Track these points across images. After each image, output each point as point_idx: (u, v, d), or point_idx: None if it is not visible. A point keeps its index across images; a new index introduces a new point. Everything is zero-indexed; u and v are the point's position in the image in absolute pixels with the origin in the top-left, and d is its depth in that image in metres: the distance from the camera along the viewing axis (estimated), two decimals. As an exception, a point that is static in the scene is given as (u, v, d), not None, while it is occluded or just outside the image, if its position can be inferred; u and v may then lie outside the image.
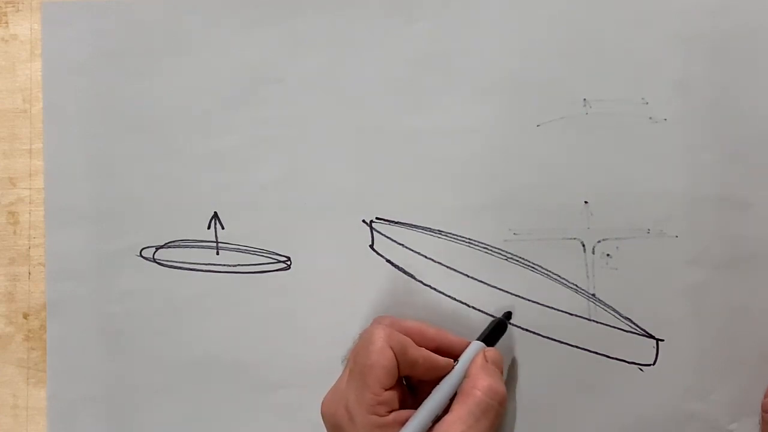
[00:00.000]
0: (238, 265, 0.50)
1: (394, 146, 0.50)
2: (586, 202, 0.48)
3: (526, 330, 0.48)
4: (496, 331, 0.47)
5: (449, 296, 0.49)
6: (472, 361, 0.44)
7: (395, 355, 0.43)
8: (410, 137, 0.50)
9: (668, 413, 0.47)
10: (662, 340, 0.48)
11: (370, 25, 0.50)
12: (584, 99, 0.49)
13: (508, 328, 0.48)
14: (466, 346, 0.45)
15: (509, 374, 0.48)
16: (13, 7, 0.52)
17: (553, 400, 0.48)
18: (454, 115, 0.49)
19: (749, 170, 0.48)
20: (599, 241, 0.48)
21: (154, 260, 0.51)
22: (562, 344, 0.48)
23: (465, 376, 0.44)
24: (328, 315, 0.49)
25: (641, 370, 0.48)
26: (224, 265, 0.50)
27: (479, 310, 0.48)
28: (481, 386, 0.43)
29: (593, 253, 0.48)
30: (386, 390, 0.42)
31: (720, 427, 0.47)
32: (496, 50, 0.49)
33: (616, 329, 0.48)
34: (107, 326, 0.51)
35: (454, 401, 0.43)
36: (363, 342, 0.44)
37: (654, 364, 0.48)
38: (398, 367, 0.43)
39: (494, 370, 0.44)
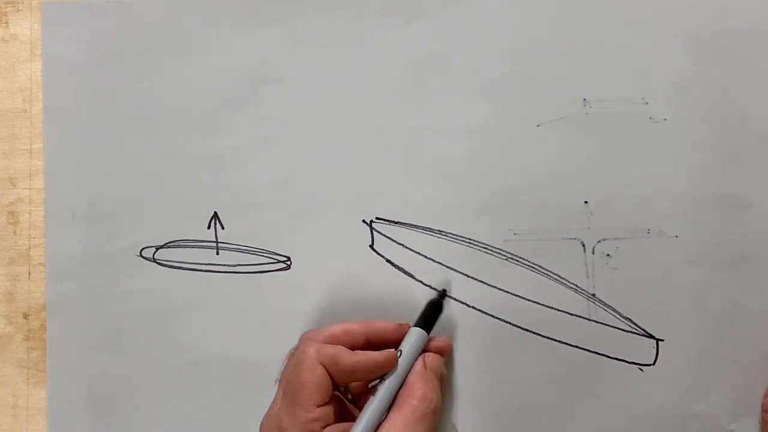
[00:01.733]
0: (238, 265, 0.50)
1: (394, 146, 0.50)
2: (586, 202, 0.48)
3: (526, 329, 0.48)
4: (433, 313, 0.47)
5: (449, 296, 0.49)
6: (412, 368, 0.44)
7: (327, 370, 0.42)
8: (410, 137, 0.50)
9: (668, 413, 0.47)
10: (662, 340, 0.48)
11: (370, 25, 0.50)
12: (584, 99, 0.49)
13: (503, 326, 0.48)
14: (396, 328, 0.45)
15: (509, 374, 0.48)
16: (13, 7, 0.52)
17: (553, 400, 0.48)
18: (454, 115, 0.49)
19: (749, 170, 0.48)
20: (599, 241, 0.48)
21: (154, 260, 0.51)
22: (562, 344, 0.48)
23: (404, 384, 0.43)
24: (328, 315, 0.49)
25: (641, 370, 0.48)
26: (224, 265, 0.50)
27: (479, 310, 0.48)
28: (417, 395, 0.42)
29: (593, 253, 0.48)
30: (319, 407, 0.42)
31: (720, 427, 0.47)
32: (496, 50, 0.49)
33: (616, 329, 0.48)
34: (107, 326, 0.51)
35: (392, 409, 0.43)
36: (293, 362, 0.44)
37: (654, 364, 0.48)
38: (333, 381, 0.43)
39: (431, 377, 0.44)
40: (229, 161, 0.51)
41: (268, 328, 0.50)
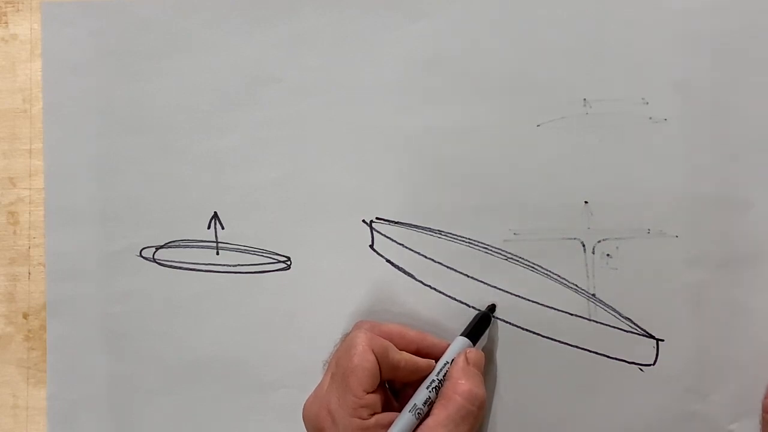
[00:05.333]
0: (238, 265, 0.50)
1: (394, 146, 0.50)
2: (586, 202, 0.48)
3: (526, 329, 0.48)
4: (480, 326, 0.47)
5: (449, 296, 0.49)
6: (453, 362, 0.45)
7: (377, 359, 0.43)
8: (410, 137, 0.50)
9: (668, 413, 0.47)
10: (662, 340, 0.48)
11: (370, 25, 0.50)
12: (584, 99, 0.49)
13: (503, 327, 0.48)
14: (446, 348, 0.45)
15: (509, 375, 0.48)
16: (13, 7, 0.52)
17: (553, 400, 0.48)
18: (454, 115, 0.49)
19: (749, 170, 0.48)
20: (599, 241, 0.48)
21: (154, 260, 0.51)
22: (562, 344, 0.48)
23: (446, 378, 0.44)
24: (328, 315, 0.49)
25: (641, 370, 0.48)
26: (224, 265, 0.50)
27: (479, 310, 0.48)
28: (461, 391, 0.43)
29: (593, 253, 0.48)
30: (368, 393, 0.43)
31: (720, 427, 0.47)
32: (496, 50, 0.49)
33: (616, 329, 0.48)
34: (107, 326, 0.51)
35: (435, 405, 0.43)
36: (345, 346, 0.44)
37: (654, 364, 0.48)
38: (380, 371, 0.43)
39: (475, 373, 0.44)
40: (229, 161, 0.51)
41: (268, 328, 0.50)
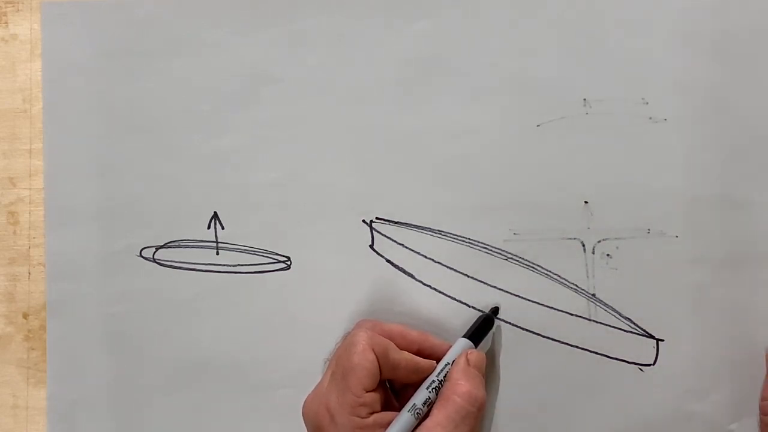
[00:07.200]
0: (238, 265, 0.50)
1: (394, 146, 0.50)
2: (586, 202, 0.48)
3: (526, 330, 0.48)
4: (482, 327, 0.47)
5: (449, 296, 0.49)
6: (454, 363, 0.45)
7: (377, 358, 0.43)
8: (410, 137, 0.50)
9: (668, 413, 0.47)
10: (662, 340, 0.48)
11: (370, 25, 0.50)
12: (584, 99, 0.49)
13: (503, 327, 0.48)
14: (448, 349, 0.45)
15: (509, 375, 0.48)
16: (13, 7, 0.52)
17: (553, 400, 0.48)
18: (454, 115, 0.49)
19: (749, 170, 0.48)
20: (599, 241, 0.48)
21: (154, 260, 0.51)
22: (562, 344, 0.48)
23: (446, 379, 0.44)
24: (328, 315, 0.49)
25: (641, 370, 0.48)
26: (224, 265, 0.50)
27: (479, 310, 0.48)
28: (460, 392, 0.43)
29: (593, 253, 0.48)
30: (368, 392, 0.43)
31: (720, 427, 0.47)
32: (496, 50, 0.49)
33: (616, 329, 0.48)
34: (107, 326, 0.51)
35: (435, 405, 0.43)
36: (345, 344, 0.44)
37: (654, 364, 0.48)
38: (380, 370, 0.43)
39: (475, 374, 0.44)
40: (229, 161, 0.51)
41: (268, 328, 0.50)
